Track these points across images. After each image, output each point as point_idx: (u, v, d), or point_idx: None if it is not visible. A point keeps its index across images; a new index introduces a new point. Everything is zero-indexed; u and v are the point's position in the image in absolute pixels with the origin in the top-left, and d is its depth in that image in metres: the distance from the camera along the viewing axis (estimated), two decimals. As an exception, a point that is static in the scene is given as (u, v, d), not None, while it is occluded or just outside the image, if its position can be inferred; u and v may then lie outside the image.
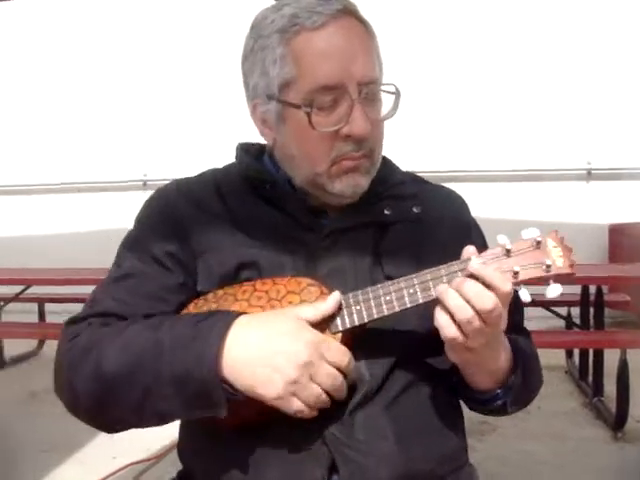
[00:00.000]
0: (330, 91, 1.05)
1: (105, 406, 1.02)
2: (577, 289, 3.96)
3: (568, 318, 4.29)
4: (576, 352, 4.29)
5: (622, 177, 5.64)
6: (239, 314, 1.01)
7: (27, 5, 4.32)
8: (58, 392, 1.07)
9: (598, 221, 5.53)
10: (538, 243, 0.99)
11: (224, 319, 0.99)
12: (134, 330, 1.02)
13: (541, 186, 5.74)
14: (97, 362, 1.00)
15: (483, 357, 1.03)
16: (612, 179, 5.68)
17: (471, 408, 1.22)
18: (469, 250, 1.01)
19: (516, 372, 1.12)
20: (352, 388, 1.04)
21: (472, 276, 0.96)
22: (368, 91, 1.08)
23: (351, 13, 1.08)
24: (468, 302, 0.94)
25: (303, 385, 0.95)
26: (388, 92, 1.12)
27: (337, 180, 1.10)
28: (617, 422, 3.30)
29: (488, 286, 0.95)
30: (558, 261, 0.99)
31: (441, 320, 0.97)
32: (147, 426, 1.04)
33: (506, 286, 0.95)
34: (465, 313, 0.94)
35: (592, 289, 3.94)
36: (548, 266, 0.98)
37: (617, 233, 5.54)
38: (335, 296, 1.02)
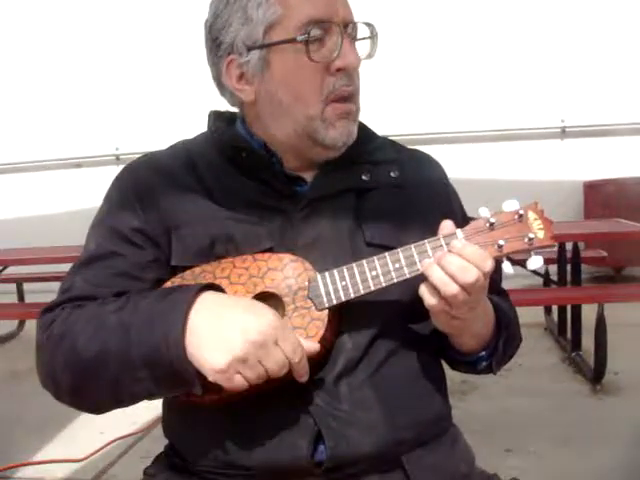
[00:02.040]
0: (319, 25, 1.06)
1: (84, 391, 1.02)
2: (554, 245, 4.00)
3: (546, 276, 4.35)
4: (555, 309, 4.36)
5: (596, 134, 5.67)
6: (203, 287, 0.99)
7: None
8: (41, 381, 1.07)
9: (573, 178, 5.58)
10: (520, 216, 1.02)
11: (186, 296, 0.97)
12: (102, 313, 1.01)
13: (515, 145, 5.77)
14: (71, 349, 1.00)
15: (467, 322, 1.04)
16: (586, 136, 5.72)
17: (455, 369, 1.24)
18: (448, 224, 1.02)
19: (500, 334, 1.13)
20: (334, 358, 1.05)
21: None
22: (352, 30, 1.10)
23: None
24: (452, 277, 0.96)
25: (250, 365, 0.93)
26: (366, 38, 1.13)
27: (331, 127, 1.09)
28: (595, 376, 3.37)
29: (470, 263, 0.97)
30: (539, 233, 1.02)
31: (427, 293, 0.99)
32: (129, 405, 1.04)
33: (487, 265, 0.97)
34: (450, 287, 0.96)
35: (569, 246, 3.99)
36: (531, 239, 1.01)
37: (592, 190, 5.60)
38: (315, 347, 1.00)
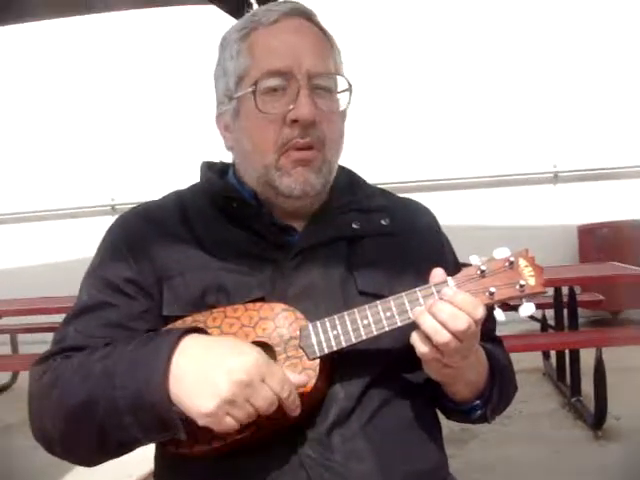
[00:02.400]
0: (278, 76, 1.09)
1: (73, 441, 1.02)
2: (550, 291, 4.00)
3: (543, 320, 4.33)
4: (553, 354, 4.33)
5: (588, 178, 5.73)
6: (186, 331, 0.98)
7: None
8: (32, 432, 1.06)
9: (567, 222, 5.61)
10: (511, 263, 1.02)
11: (169, 339, 0.97)
12: (89, 361, 1.01)
13: (508, 191, 5.81)
14: (59, 398, 1.00)
15: (460, 370, 1.04)
16: (579, 180, 5.77)
17: (449, 418, 1.22)
18: (439, 272, 1.02)
19: (494, 382, 1.13)
20: (327, 408, 1.04)
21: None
22: (320, 82, 1.11)
23: (305, 15, 1.14)
24: (443, 324, 0.96)
25: (238, 405, 0.91)
26: (342, 91, 1.15)
27: (285, 175, 1.10)
28: (596, 421, 3.33)
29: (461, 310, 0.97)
30: (531, 280, 1.02)
31: (418, 341, 0.98)
32: (118, 455, 1.02)
33: (478, 312, 0.97)
34: (441, 335, 0.96)
35: (565, 290, 3.98)
36: (522, 286, 1.01)
37: (586, 234, 5.62)
38: (303, 379, 0.99)
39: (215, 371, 0.92)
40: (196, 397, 0.92)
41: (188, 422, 0.94)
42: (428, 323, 0.97)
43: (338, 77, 1.15)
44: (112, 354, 1.00)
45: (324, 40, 1.15)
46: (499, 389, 1.14)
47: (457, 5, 5.58)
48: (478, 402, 1.13)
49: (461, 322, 0.95)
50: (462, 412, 1.15)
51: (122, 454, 1.02)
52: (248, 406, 0.92)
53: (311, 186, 1.11)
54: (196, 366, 0.94)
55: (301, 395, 0.98)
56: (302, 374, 1.00)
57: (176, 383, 0.94)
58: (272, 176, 1.10)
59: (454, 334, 0.96)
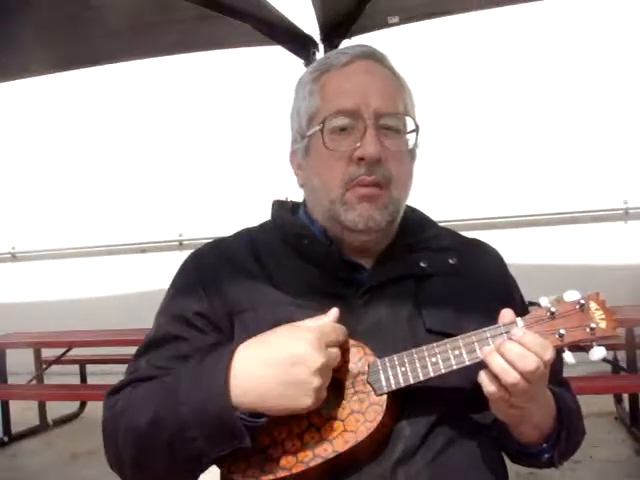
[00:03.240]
0: (345, 115, 1.13)
1: (144, 462, 1.05)
2: (621, 331, 3.86)
3: (614, 362, 4.17)
4: (625, 397, 4.16)
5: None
6: (237, 345, 1.02)
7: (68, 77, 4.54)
8: (107, 459, 1.11)
9: (638, 260, 5.43)
10: (581, 306, 1.01)
11: (223, 353, 1.01)
12: (155, 386, 1.06)
13: (579, 228, 5.67)
14: (129, 422, 1.05)
15: (527, 411, 1.02)
16: (650, 217, 5.60)
17: (515, 462, 1.19)
18: (508, 313, 1.02)
19: (562, 426, 1.10)
20: (392, 444, 1.03)
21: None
22: (387, 122, 1.13)
23: (375, 57, 1.18)
24: (512, 364, 0.95)
25: (325, 382, 0.98)
26: (410, 131, 1.17)
27: (350, 210, 1.12)
28: (673, 469, 3.17)
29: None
30: (602, 324, 1.01)
31: (486, 380, 0.98)
32: (187, 476, 1.06)
33: (547, 354, 0.96)
34: (509, 375, 0.95)
35: (637, 331, 3.85)
36: (592, 329, 1.00)
37: (659, 272, 5.42)
38: (334, 311, 1.04)
39: (294, 369, 0.96)
40: (293, 399, 0.97)
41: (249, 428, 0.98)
42: (497, 363, 0.96)
43: (407, 118, 1.16)
44: (175, 375, 1.05)
45: (394, 81, 1.18)
46: (567, 433, 1.12)
47: (523, 40, 5.55)
48: (545, 445, 1.10)
49: (530, 363, 0.95)
50: (529, 455, 1.13)
51: (193, 472, 1.06)
52: (330, 373, 0.99)
53: (375, 221, 1.12)
54: (269, 372, 0.97)
55: (367, 431, 0.99)
56: (369, 409, 1.01)
57: (253, 390, 0.97)
58: (338, 210, 1.13)
59: (522, 375, 0.95)
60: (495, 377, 0.96)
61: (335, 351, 0.99)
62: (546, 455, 1.11)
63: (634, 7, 5.18)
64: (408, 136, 1.17)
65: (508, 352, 0.95)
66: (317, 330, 0.99)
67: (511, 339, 0.97)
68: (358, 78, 1.14)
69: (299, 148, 1.19)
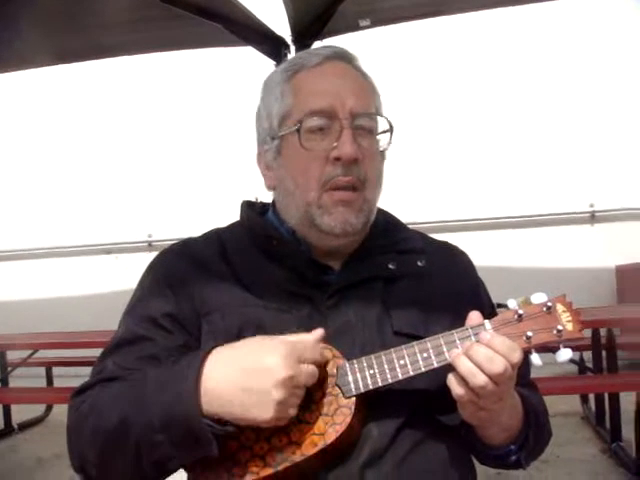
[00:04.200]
0: (321, 115, 1.12)
1: (110, 466, 1.04)
2: (587, 332, 3.92)
3: (581, 363, 4.23)
4: (591, 397, 4.22)
5: (626, 218, 5.64)
6: (212, 347, 1.01)
7: (21, 74, 4.47)
8: (71, 463, 1.09)
9: (605, 263, 5.52)
10: (548, 308, 1.02)
11: (196, 355, 1.00)
12: (122, 387, 1.04)
13: (545, 231, 5.75)
14: (95, 423, 1.03)
15: (494, 413, 1.03)
16: (616, 220, 5.69)
17: (483, 463, 1.20)
18: (475, 315, 1.03)
19: (529, 427, 1.11)
20: (360, 446, 1.03)
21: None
22: (362, 123, 1.14)
23: (347, 59, 1.18)
24: (479, 367, 0.96)
25: (290, 397, 0.96)
26: (382, 132, 1.18)
27: (326, 213, 1.12)
28: (638, 468, 3.22)
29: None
30: (568, 326, 1.02)
31: (454, 383, 0.98)
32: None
33: (515, 357, 0.97)
34: (477, 378, 0.96)
35: (603, 332, 3.90)
36: (559, 331, 1.01)
37: (624, 274, 5.51)
38: (319, 331, 1.03)
39: (257, 378, 0.95)
40: (252, 409, 0.95)
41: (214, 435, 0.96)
42: (465, 366, 0.97)
43: (379, 118, 1.17)
44: (143, 376, 1.03)
45: (365, 83, 1.19)
46: (534, 434, 1.13)
47: (492, 44, 5.61)
48: (513, 447, 1.11)
49: (497, 365, 0.95)
50: (496, 457, 1.14)
51: (159, 477, 1.04)
52: (299, 390, 0.96)
53: (351, 225, 1.13)
54: (234, 378, 0.96)
55: (336, 433, 0.99)
56: (338, 412, 1.00)
57: (219, 401, 0.96)
58: (313, 213, 1.13)
59: (490, 377, 0.95)
60: (463, 380, 0.97)
61: (308, 368, 0.97)
62: (514, 457, 1.12)
63: (618, 16, 5.28)
64: (379, 137, 1.18)
65: (476, 355, 0.96)
66: (291, 344, 0.97)
67: (479, 342, 0.98)
68: (332, 79, 1.14)
69: (269, 149, 1.18)
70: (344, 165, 1.11)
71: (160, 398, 0.98)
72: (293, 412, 0.97)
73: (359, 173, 1.12)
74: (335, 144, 1.11)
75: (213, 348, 1.00)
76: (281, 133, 1.16)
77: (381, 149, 1.18)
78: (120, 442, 1.00)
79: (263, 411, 0.94)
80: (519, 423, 1.10)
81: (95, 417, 1.04)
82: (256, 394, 0.94)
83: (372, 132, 1.16)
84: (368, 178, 1.14)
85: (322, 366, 1.03)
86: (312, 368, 0.98)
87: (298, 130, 1.12)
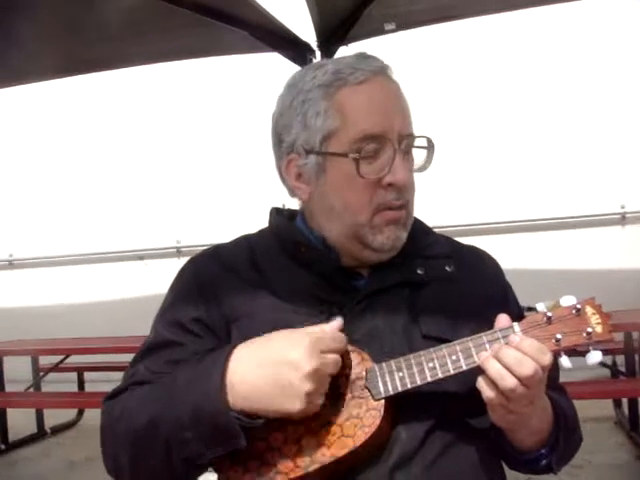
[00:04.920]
0: (374, 140, 1.10)
1: (142, 466, 1.06)
2: (620, 336, 3.86)
3: (613, 366, 4.17)
4: (624, 402, 4.16)
5: (658, 219, 5.55)
6: (236, 344, 1.03)
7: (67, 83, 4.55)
8: (105, 465, 1.12)
9: (636, 265, 5.43)
10: (578, 310, 1.02)
11: (222, 352, 1.02)
12: (151, 389, 1.07)
13: (575, 233, 5.68)
14: (127, 425, 1.06)
15: (524, 416, 1.02)
16: (648, 221, 5.60)
17: (514, 468, 1.19)
18: (504, 318, 1.03)
19: (559, 431, 1.10)
20: (389, 449, 1.03)
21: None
22: (407, 143, 1.14)
23: (388, 73, 1.16)
24: (509, 369, 0.95)
25: (318, 388, 0.97)
26: (421, 147, 1.17)
27: (379, 233, 1.12)
28: (673, 474, 3.16)
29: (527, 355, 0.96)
30: (598, 328, 1.02)
31: (484, 386, 0.98)
32: (184, 478, 1.07)
33: (545, 359, 0.96)
34: (507, 381, 0.95)
35: (635, 335, 3.85)
36: (589, 333, 1.01)
37: (657, 276, 5.42)
38: (337, 320, 1.04)
39: (284, 372, 0.96)
40: (282, 402, 0.97)
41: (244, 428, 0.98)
42: (494, 368, 0.96)
43: (418, 137, 1.16)
44: (170, 377, 1.06)
45: (404, 98, 1.17)
46: (564, 438, 1.12)
47: (518, 46, 5.57)
48: (543, 451, 1.10)
49: (527, 368, 0.95)
50: (527, 461, 1.13)
51: (190, 475, 1.07)
52: (324, 379, 0.98)
53: (400, 241, 1.15)
54: (261, 373, 0.98)
55: (365, 435, 1.00)
56: (367, 414, 1.01)
57: (246, 397, 0.98)
58: (364, 233, 1.13)
59: (520, 380, 0.95)
60: (493, 383, 0.96)
61: (332, 357, 0.99)
62: (544, 461, 1.11)
63: (626, 17, 5.21)
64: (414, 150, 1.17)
65: (505, 357, 0.96)
66: (314, 335, 0.99)
67: (507, 344, 0.97)
68: (381, 99, 1.12)
69: (308, 163, 1.15)
70: (397, 191, 1.12)
71: (187, 397, 1.00)
72: (321, 401, 0.98)
73: (408, 196, 1.14)
74: (387, 169, 1.10)
75: (237, 345, 1.02)
76: (325, 150, 1.13)
77: (421, 169, 1.18)
78: (150, 441, 1.03)
79: (293, 403, 0.96)
80: (549, 427, 1.09)
81: (126, 419, 1.06)
82: (284, 387, 0.96)
83: (411, 151, 1.16)
84: (412, 197, 1.16)
85: (347, 357, 1.04)
86: (335, 357, 0.99)
87: (356, 159, 1.09)
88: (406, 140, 1.13)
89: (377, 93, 1.12)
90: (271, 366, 0.98)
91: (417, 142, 1.17)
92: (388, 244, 1.13)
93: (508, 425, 1.05)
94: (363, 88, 1.12)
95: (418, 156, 1.18)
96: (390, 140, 1.10)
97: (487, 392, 0.98)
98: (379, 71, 1.14)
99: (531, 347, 0.96)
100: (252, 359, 1.00)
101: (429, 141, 1.17)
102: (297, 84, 1.17)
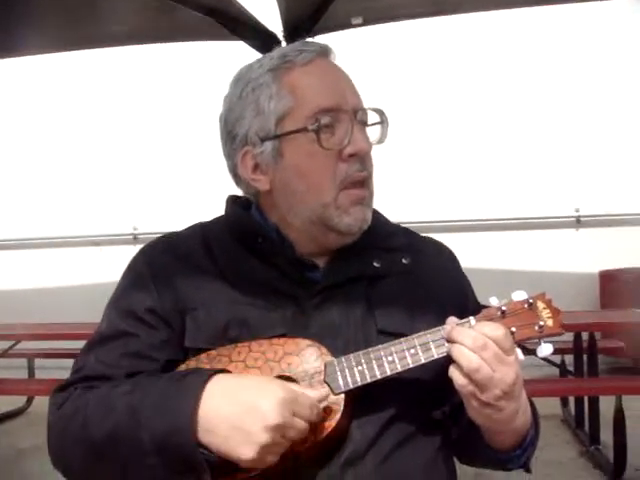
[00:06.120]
0: (329, 113, 1.10)
1: (93, 473, 1.03)
2: (570, 336, 3.95)
3: (562, 366, 4.26)
4: (571, 400, 4.25)
5: (611, 223, 5.68)
6: (214, 372, 0.99)
7: (13, 65, 4.42)
8: (52, 461, 1.07)
9: (588, 268, 5.55)
10: (530, 305, 1.05)
11: (196, 382, 0.98)
12: (113, 395, 1.02)
13: (530, 234, 5.78)
14: (81, 430, 1.01)
15: (511, 417, 1.02)
16: (601, 226, 5.73)
17: (484, 467, 1.21)
18: (454, 319, 1.03)
19: (536, 428, 1.12)
20: (343, 446, 1.03)
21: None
22: (362, 117, 1.14)
23: (332, 55, 1.18)
24: (468, 347, 0.96)
25: (275, 445, 0.94)
26: (376, 123, 1.17)
27: (345, 214, 1.11)
28: (616, 471, 3.25)
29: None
30: (549, 321, 1.05)
31: (456, 374, 0.98)
32: None
33: (499, 333, 0.97)
34: (468, 357, 0.96)
35: (584, 336, 3.93)
36: (541, 327, 1.04)
37: (607, 279, 5.56)
38: (325, 391, 1.01)
39: (248, 418, 0.93)
40: (235, 445, 0.93)
41: (208, 461, 0.95)
42: (455, 348, 0.98)
43: (370, 111, 1.17)
44: (137, 390, 1.01)
45: (350, 77, 1.18)
46: (537, 435, 1.13)
47: (480, 46, 5.63)
48: (519, 451, 1.10)
49: (484, 343, 0.96)
50: (504, 460, 1.13)
51: None
52: (284, 441, 0.94)
53: (366, 222, 1.14)
54: (227, 412, 0.95)
55: (325, 430, 0.99)
56: (327, 409, 1.00)
57: (209, 430, 0.95)
58: (330, 215, 1.11)
59: (482, 358, 0.95)
60: (460, 367, 0.97)
61: (300, 423, 0.95)
62: (523, 459, 1.12)
63: (606, 24, 5.31)
64: (368, 129, 1.17)
65: (465, 338, 0.97)
66: (293, 394, 0.96)
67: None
68: (330, 75, 1.14)
69: (263, 151, 1.13)
70: (360, 160, 1.11)
71: (155, 422, 0.96)
72: (273, 460, 0.95)
73: (369, 168, 1.14)
74: (347, 141, 1.10)
75: (215, 373, 0.99)
76: (283, 132, 1.11)
77: (379, 142, 1.17)
78: (108, 456, 0.99)
79: (245, 450, 0.93)
80: (529, 426, 1.10)
81: (81, 423, 1.01)
82: (243, 432, 0.93)
83: (366, 125, 1.16)
84: (372, 173, 1.15)
85: (305, 361, 1.03)
86: (304, 425, 0.96)
87: (316, 131, 1.09)
88: (361, 111, 1.13)
89: (326, 71, 1.14)
90: (238, 407, 0.94)
91: (370, 119, 1.17)
92: (356, 225, 1.12)
93: (488, 421, 1.03)
94: (311, 68, 1.13)
95: (372, 133, 1.18)
96: (346, 112, 1.11)
97: (459, 379, 0.97)
98: (324, 52, 1.16)
99: (486, 327, 0.98)
100: (224, 395, 0.96)
101: (382, 113, 1.17)
102: (244, 76, 1.17)
